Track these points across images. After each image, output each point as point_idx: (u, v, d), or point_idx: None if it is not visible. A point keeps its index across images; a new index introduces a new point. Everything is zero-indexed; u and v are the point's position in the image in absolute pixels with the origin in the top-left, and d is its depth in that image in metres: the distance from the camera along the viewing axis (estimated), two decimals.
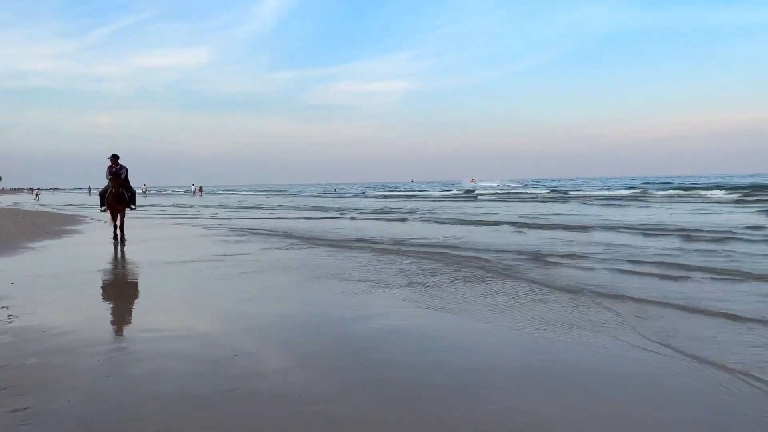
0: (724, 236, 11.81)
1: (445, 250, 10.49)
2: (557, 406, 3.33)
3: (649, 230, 13.63)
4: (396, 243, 11.90)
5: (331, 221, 20.11)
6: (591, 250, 10.06)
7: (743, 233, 12.41)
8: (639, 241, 11.67)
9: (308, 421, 3.13)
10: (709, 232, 12.69)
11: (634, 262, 8.62)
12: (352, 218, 21.52)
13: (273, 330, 5.16)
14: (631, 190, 45.11)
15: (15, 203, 41.91)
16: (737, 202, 27.55)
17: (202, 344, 4.60)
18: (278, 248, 11.41)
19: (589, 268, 8.18)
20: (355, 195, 60.90)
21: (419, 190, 68.89)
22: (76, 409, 3.27)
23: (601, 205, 28.01)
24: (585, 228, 14.66)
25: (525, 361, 4.18)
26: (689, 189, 42.55)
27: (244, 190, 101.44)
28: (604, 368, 4.01)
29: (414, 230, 15.58)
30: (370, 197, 51.81)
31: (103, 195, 13.27)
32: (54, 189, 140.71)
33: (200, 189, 74.66)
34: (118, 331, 5.21)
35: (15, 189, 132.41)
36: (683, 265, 8.20)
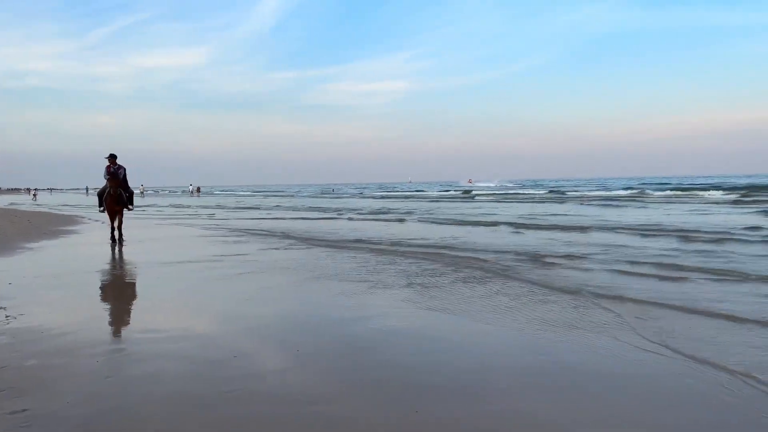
0: (722, 237, 11.82)
1: (443, 251, 10.49)
2: (558, 407, 3.33)
3: (647, 231, 13.64)
4: (394, 243, 11.89)
5: (328, 222, 20.09)
6: (589, 251, 10.06)
7: (741, 234, 12.42)
8: (637, 241, 11.67)
9: (307, 422, 3.12)
10: (707, 232, 12.70)
11: (632, 263, 8.62)
12: (350, 219, 21.50)
13: (272, 330, 5.14)
14: (629, 191, 45.18)
15: (12, 203, 41.81)
16: (735, 202, 27.56)
17: (201, 345, 4.59)
18: (276, 249, 11.39)
19: (588, 269, 8.18)
20: (353, 195, 60.87)
21: (417, 191, 68.91)
22: (76, 411, 3.25)
23: (598, 205, 28.02)
24: (583, 228, 14.67)
25: (525, 362, 4.18)
26: (687, 189, 42.68)
27: (242, 191, 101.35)
28: (604, 369, 4.00)
29: (412, 231, 15.57)
30: (367, 198, 51.79)
31: (101, 195, 13.18)
32: (51, 189, 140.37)
33: (198, 189, 74.44)
34: (117, 332, 5.20)
35: (12, 189, 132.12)
36: (682, 266, 8.20)
